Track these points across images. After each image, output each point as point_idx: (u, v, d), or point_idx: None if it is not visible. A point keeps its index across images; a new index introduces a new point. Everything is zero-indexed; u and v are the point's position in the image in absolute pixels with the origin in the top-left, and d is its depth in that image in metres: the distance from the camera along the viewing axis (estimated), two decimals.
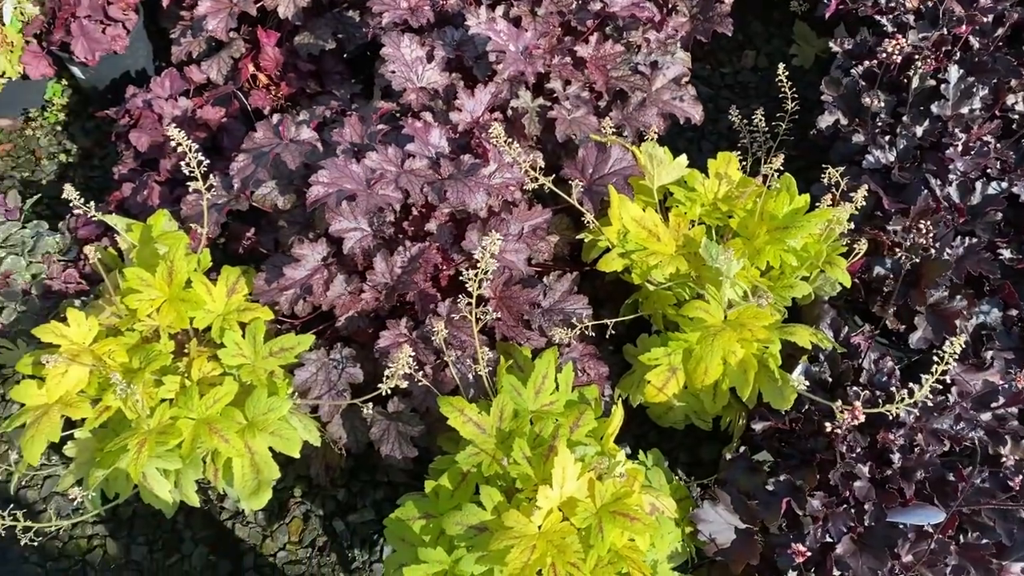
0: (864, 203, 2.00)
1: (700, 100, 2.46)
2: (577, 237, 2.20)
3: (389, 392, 1.82)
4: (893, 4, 2.52)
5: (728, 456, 2.05)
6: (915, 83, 2.30)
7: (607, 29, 2.42)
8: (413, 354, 1.83)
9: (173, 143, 1.89)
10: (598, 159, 2.16)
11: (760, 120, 2.31)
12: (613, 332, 2.06)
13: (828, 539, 1.82)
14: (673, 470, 2.33)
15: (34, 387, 1.92)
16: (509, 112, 2.26)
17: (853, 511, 1.82)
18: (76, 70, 3.02)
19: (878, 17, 2.55)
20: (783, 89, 2.25)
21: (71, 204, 1.97)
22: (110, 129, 3.04)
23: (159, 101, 2.60)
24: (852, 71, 2.47)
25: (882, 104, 2.34)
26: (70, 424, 1.94)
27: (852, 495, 1.84)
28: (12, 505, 2.09)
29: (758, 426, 2.02)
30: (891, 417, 1.84)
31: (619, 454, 1.86)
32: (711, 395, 2.06)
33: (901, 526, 1.81)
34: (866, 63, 2.46)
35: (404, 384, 1.83)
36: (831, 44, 2.60)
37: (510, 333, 2.05)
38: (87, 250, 1.95)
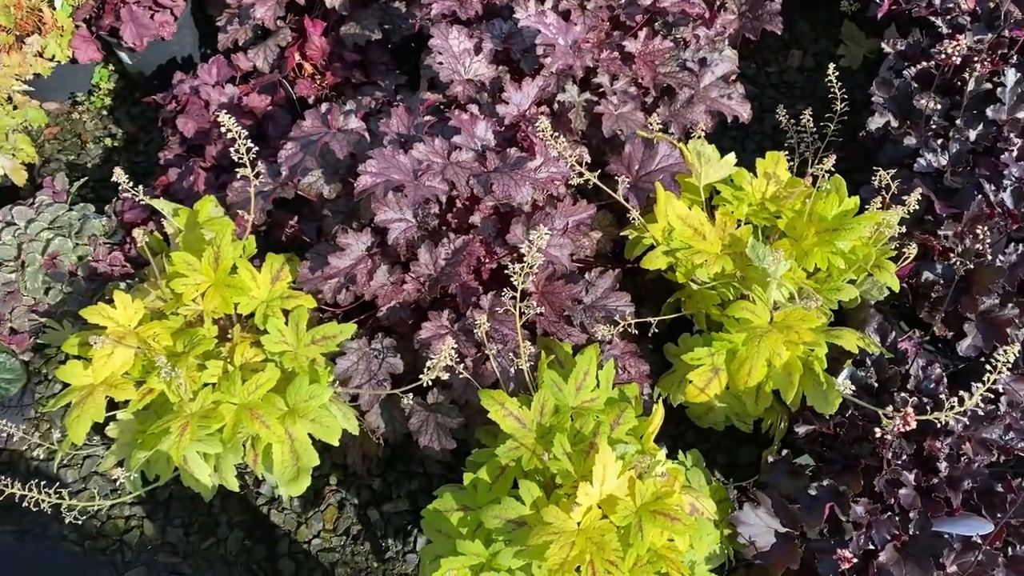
0: (917, 206, 1.97)
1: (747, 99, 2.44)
2: (621, 233, 2.18)
3: (430, 383, 1.82)
4: (950, 5, 2.48)
5: (770, 459, 2.02)
6: (970, 86, 2.26)
7: (656, 24, 2.40)
8: (455, 346, 1.83)
9: (221, 129, 1.90)
10: (645, 155, 2.15)
11: (808, 120, 2.28)
12: (656, 331, 2.04)
13: (871, 547, 1.79)
14: (710, 471, 2.31)
15: (80, 367, 1.94)
16: (555, 106, 2.25)
17: (898, 519, 1.80)
18: (123, 55, 3.05)
19: (932, 18, 2.50)
20: (830, 89, 2.22)
21: (118, 188, 1.99)
22: (155, 115, 3.07)
23: (206, 88, 2.61)
24: (904, 72, 2.43)
25: (937, 107, 2.29)
26: (111, 405, 1.95)
27: (897, 502, 1.81)
28: (57, 484, 2.11)
29: (802, 429, 1.99)
30: (939, 425, 1.80)
31: (659, 453, 1.85)
32: (753, 397, 2.04)
33: (947, 536, 1.77)
34: (919, 65, 2.42)
35: (445, 376, 1.83)
36: (883, 45, 2.56)
37: (551, 328, 2.04)
38: (135, 233, 1.97)
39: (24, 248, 2.37)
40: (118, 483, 2.38)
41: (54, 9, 2.86)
